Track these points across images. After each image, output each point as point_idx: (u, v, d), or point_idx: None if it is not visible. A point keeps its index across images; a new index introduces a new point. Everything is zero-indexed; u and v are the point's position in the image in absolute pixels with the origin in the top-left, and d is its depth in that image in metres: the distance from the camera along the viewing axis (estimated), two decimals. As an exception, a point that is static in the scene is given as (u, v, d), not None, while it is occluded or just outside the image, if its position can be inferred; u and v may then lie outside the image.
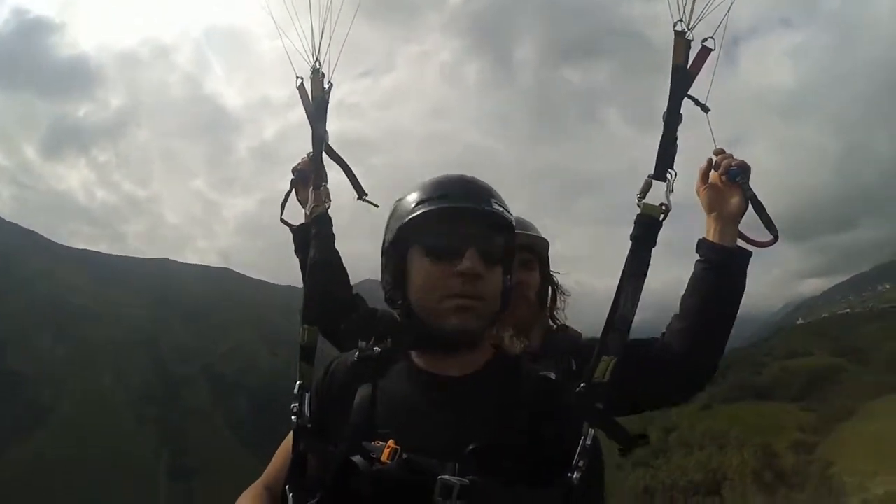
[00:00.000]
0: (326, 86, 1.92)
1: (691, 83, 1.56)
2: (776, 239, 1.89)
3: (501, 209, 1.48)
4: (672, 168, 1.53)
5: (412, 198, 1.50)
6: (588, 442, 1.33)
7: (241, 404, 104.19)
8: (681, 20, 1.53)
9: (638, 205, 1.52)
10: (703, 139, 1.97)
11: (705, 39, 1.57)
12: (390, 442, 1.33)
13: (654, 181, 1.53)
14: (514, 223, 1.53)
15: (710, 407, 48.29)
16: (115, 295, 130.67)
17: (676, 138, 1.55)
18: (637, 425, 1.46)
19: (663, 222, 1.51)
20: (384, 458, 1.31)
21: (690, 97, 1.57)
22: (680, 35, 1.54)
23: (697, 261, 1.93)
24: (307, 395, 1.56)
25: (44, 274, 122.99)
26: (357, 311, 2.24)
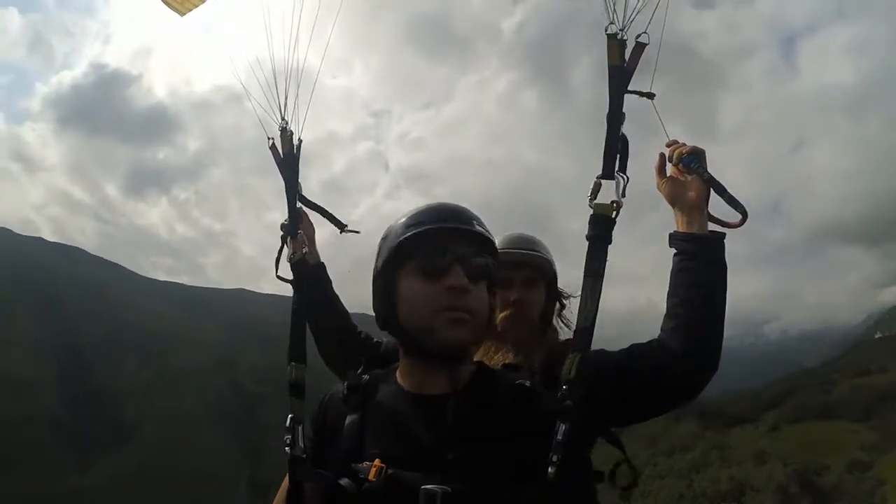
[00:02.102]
0: (296, 142, 2.01)
1: (629, 80, 1.58)
2: (745, 217, 1.85)
3: (482, 231, 1.54)
4: (623, 169, 1.60)
5: (401, 223, 1.56)
6: (559, 437, 1.38)
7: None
8: (612, 23, 1.56)
9: (590, 206, 1.56)
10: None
11: (639, 35, 1.57)
12: (376, 461, 1.39)
13: (604, 181, 1.58)
14: (495, 244, 1.58)
15: (778, 428, 48.12)
16: (195, 322, 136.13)
17: (622, 137, 1.59)
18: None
19: (616, 219, 1.55)
20: (371, 477, 1.37)
21: (631, 91, 1.59)
22: (612, 37, 1.56)
23: (673, 255, 1.90)
24: (300, 428, 1.63)
25: (128, 303, 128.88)
26: (360, 347, 2.35)
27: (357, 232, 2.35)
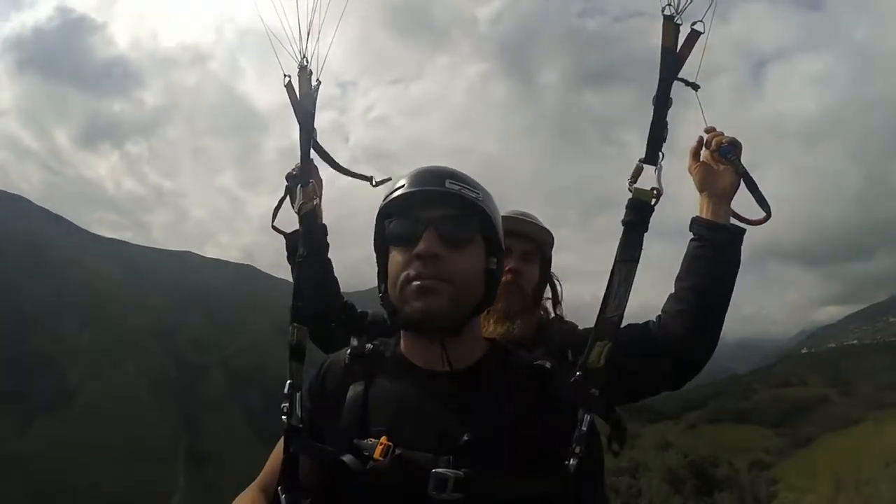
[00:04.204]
0: (315, 83, 1.85)
1: (681, 66, 1.53)
2: (769, 216, 1.85)
3: (458, 188, 1.41)
4: (661, 152, 1.51)
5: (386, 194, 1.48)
6: (584, 428, 1.32)
7: (255, 397, 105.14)
8: (669, 4, 1.50)
9: (629, 189, 1.48)
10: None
11: (694, 23, 1.51)
12: (383, 439, 1.31)
13: (645, 166, 1.49)
14: (478, 201, 1.42)
15: (696, 426, 51.99)
16: (139, 284, 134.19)
17: (667, 122, 1.51)
18: (604, 429, 1.41)
19: (655, 207, 1.47)
20: (377, 455, 1.28)
21: (680, 79, 1.54)
22: (668, 19, 1.50)
23: (691, 240, 1.89)
24: (298, 395, 1.51)
25: (72, 260, 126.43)
26: (348, 313, 2.23)
27: (388, 178, 1.92)
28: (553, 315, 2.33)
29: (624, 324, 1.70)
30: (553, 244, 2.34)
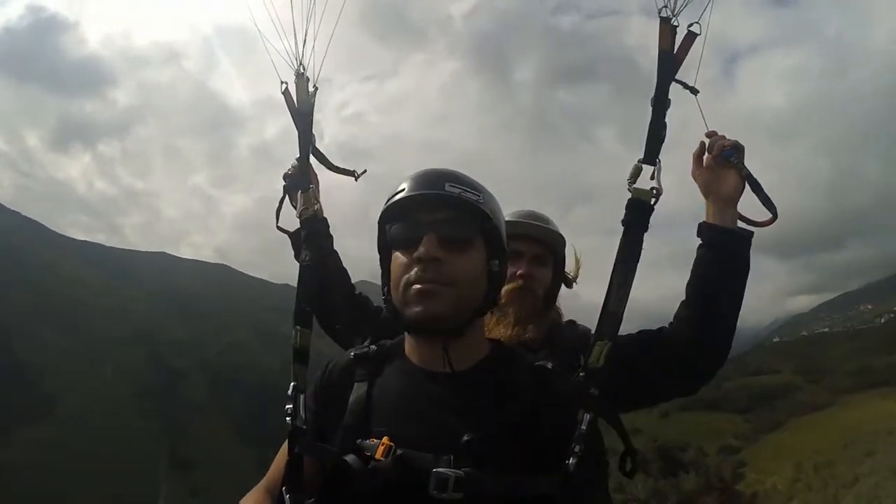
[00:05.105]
0: (311, 89, 1.86)
1: (678, 68, 1.53)
2: (775, 217, 1.84)
3: (458, 191, 1.42)
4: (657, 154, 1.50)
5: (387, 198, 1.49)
6: (583, 428, 1.32)
7: (237, 400, 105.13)
8: (665, 6, 1.51)
9: (629, 189, 1.48)
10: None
11: (691, 24, 1.53)
12: (385, 439, 1.31)
13: (644, 165, 1.50)
14: (479, 203, 1.44)
15: (668, 415, 53.77)
16: (116, 287, 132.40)
17: (665, 123, 1.52)
18: None
19: (654, 206, 1.47)
20: (378, 455, 1.29)
21: (678, 81, 1.55)
22: (665, 21, 1.51)
23: (699, 245, 1.87)
24: (302, 397, 1.53)
25: (48, 265, 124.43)
26: (361, 310, 2.25)
27: (364, 171, 2.11)
28: (566, 319, 2.33)
29: (637, 329, 1.92)
30: (565, 244, 2.33)
